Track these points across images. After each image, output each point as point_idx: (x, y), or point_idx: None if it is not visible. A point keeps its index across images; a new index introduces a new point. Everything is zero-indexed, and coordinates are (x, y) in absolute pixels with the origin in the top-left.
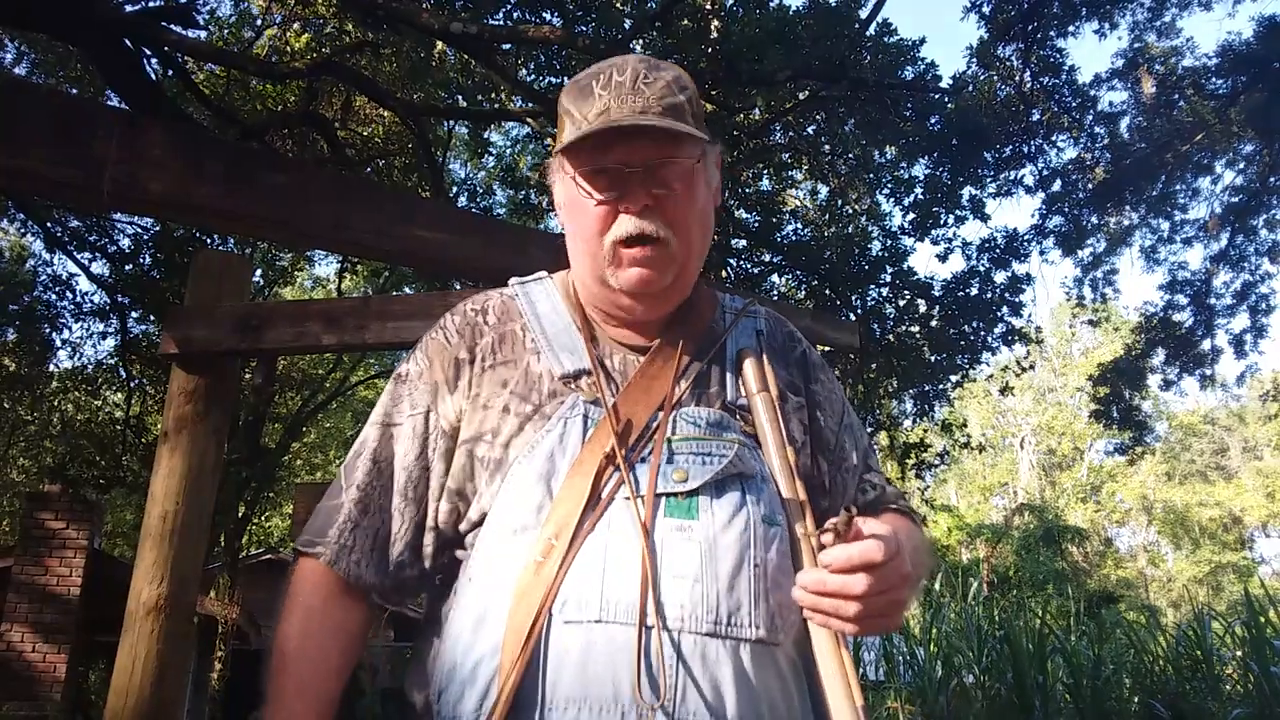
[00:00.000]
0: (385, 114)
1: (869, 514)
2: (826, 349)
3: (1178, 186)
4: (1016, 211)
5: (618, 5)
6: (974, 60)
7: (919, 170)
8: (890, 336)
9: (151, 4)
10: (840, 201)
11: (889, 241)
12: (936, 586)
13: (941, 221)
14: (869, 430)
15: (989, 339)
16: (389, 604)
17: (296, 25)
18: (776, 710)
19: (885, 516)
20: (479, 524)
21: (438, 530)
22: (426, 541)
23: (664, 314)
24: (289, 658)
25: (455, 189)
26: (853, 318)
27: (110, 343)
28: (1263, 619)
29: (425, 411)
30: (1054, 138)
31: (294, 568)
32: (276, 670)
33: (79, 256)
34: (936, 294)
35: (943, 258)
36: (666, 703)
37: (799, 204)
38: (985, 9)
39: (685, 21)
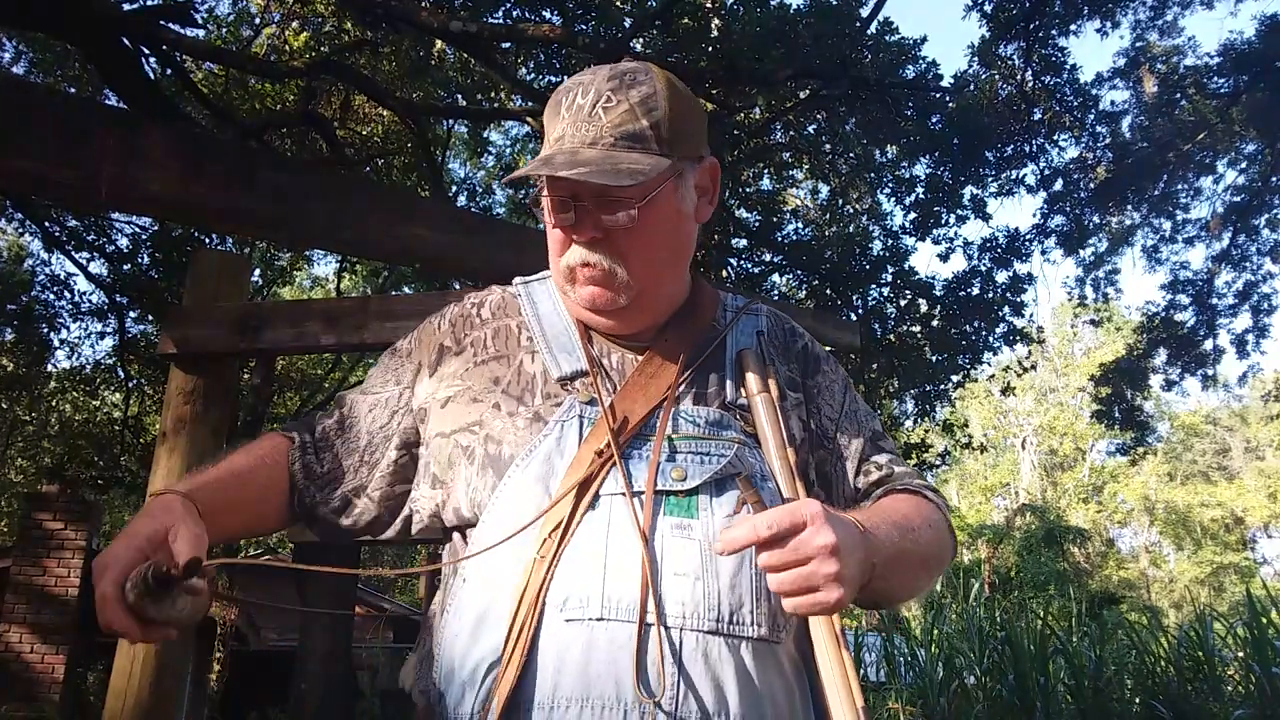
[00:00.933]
0: (384, 113)
1: (870, 496)
2: (827, 349)
3: (1179, 186)
4: (1018, 211)
5: (618, 3)
6: (975, 59)
7: (920, 169)
8: (891, 336)
9: (149, 2)
10: (841, 201)
11: (890, 241)
12: (938, 588)
13: (943, 221)
14: None
15: (990, 339)
16: (295, 516)
17: (295, 24)
18: (778, 708)
19: (891, 498)
20: (472, 524)
21: (379, 502)
22: (359, 505)
23: (642, 327)
24: (226, 460)
25: (455, 188)
26: (854, 317)
27: (108, 343)
28: (1264, 620)
29: (404, 388)
30: (1056, 137)
31: (265, 432)
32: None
33: (77, 256)
34: (938, 294)
35: (944, 257)
36: (668, 701)
37: (800, 203)
38: (987, 7)
39: (686, 20)
